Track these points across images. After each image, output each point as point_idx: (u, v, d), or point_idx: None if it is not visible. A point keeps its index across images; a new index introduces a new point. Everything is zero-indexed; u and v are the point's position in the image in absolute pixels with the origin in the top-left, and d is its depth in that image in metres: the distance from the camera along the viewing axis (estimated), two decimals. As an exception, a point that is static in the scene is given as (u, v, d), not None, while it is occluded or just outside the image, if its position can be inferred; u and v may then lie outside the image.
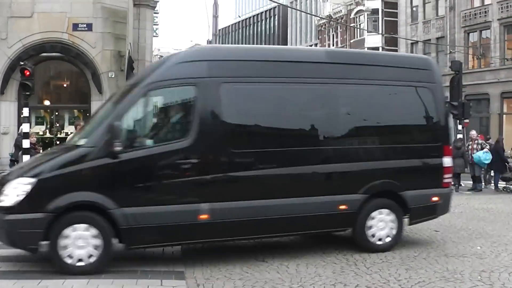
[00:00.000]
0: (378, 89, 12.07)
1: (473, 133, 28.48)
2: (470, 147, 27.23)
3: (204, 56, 11.02)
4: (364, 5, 68.46)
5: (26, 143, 18.35)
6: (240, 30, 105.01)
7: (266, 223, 10.89)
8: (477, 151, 26.40)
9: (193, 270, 10.23)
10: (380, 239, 11.84)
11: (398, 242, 12.07)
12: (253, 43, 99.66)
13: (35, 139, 20.13)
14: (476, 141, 27.30)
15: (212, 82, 10.62)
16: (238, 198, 10.61)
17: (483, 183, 27.28)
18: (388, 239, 11.91)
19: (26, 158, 17.98)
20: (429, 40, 56.57)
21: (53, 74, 26.61)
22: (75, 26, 24.58)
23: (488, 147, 26.57)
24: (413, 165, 12.32)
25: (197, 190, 10.46)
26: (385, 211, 11.90)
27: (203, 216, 10.32)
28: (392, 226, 11.93)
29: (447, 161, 12.55)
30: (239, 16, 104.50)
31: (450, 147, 13.31)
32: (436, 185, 12.44)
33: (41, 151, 20.43)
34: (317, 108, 11.73)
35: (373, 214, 11.80)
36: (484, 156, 25.95)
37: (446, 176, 12.55)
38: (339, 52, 15.10)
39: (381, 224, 11.85)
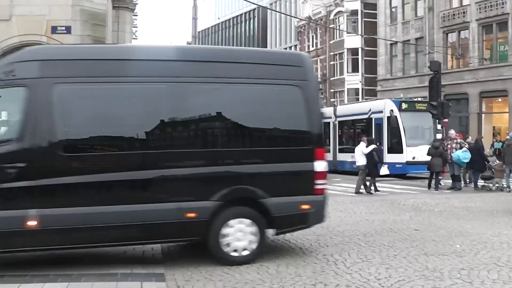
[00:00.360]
0: (236, 88, 11.29)
1: (452, 132, 28.67)
2: (449, 146, 27.41)
3: (36, 56, 10.49)
4: (343, 6, 68.72)
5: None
6: (220, 32, 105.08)
7: (102, 231, 10.21)
8: (456, 150, 26.56)
9: (174, 272, 10.22)
10: (235, 251, 10.86)
11: (258, 255, 11.00)
12: (233, 45, 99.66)
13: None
14: (455, 140, 27.48)
15: (43, 82, 10.07)
16: (70, 204, 10.02)
17: (462, 182, 27.43)
18: (245, 252, 10.91)
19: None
20: (408, 40, 56.80)
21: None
22: (54, 29, 24.39)
23: (467, 146, 26.72)
24: (277, 170, 11.17)
25: (24, 195, 9.85)
26: (247, 221, 10.91)
27: (32, 223, 9.76)
28: (252, 239, 10.93)
29: (320, 165, 11.38)
30: (219, 18, 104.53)
31: (325, 150, 11.99)
32: (306, 191, 11.31)
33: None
34: (162, 109, 10.84)
35: (231, 222, 10.83)
36: (463, 155, 26.11)
37: (318, 182, 11.38)
38: (192, 49, 13.21)
39: (240, 234, 10.87)
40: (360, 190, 25.66)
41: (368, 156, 25.67)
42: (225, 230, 10.79)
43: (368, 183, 25.70)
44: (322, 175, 11.52)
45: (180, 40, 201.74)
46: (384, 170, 25.65)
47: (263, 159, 11.26)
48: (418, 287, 9.10)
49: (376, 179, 26.13)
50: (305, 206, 11.29)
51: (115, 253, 11.87)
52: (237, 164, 11.06)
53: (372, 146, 26.02)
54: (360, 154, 26.04)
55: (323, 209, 11.75)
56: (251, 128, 11.47)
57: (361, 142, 26.73)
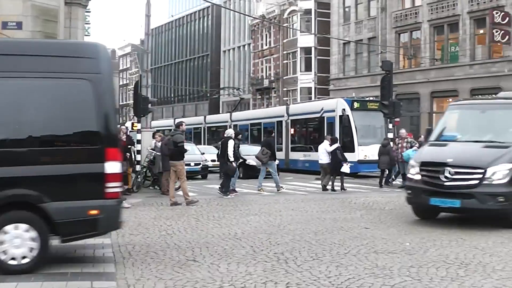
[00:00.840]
0: (14, 83, 10.12)
1: (403, 131, 28.97)
2: (400, 145, 27.69)
3: None
4: (297, 5, 68.95)
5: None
6: (173, 30, 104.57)
7: None
8: (407, 149, 26.82)
9: (124, 271, 10.15)
10: (13, 259, 9.91)
11: (40, 263, 10.08)
12: (186, 43, 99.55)
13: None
14: (405, 140, 27.77)
15: None
16: None
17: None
18: (25, 260, 9.95)
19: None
20: (361, 40, 57.30)
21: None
22: (5, 25, 24.01)
23: (417, 145, 26.97)
24: (60, 172, 10.20)
25: None
26: (24, 226, 9.95)
27: None
28: (32, 245, 9.97)
29: (112, 167, 10.28)
30: (172, 16, 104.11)
31: (118, 150, 10.61)
32: (95, 195, 10.26)
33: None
34: None
35: (7, 228, 9.86)
36: (413, 154, 26.35)
37: (110, 185, 10.27)
38: None
39: (17, 241, 9.90)
40: (328, 187, 26.23)
41: (332, 154, 26.12)
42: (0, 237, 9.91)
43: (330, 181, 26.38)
44: (115, 177, 10.40)
45: (133, 37, 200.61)
46: (345, 168, 26.07)
47: (44, 160, 10.27)
48: (368, 285, 9.15)
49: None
50: (94, 212, 10.24)
51: (65, 252, 11.78)
52: (11, 166, 10.02)
53: (336, 145, 26.48)
54: (323, 152, 26.51)
55: (116, 215, 10.64)
56: (30, 126, 10.35)
57: (325, 141, 27.20)
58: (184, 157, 20.99)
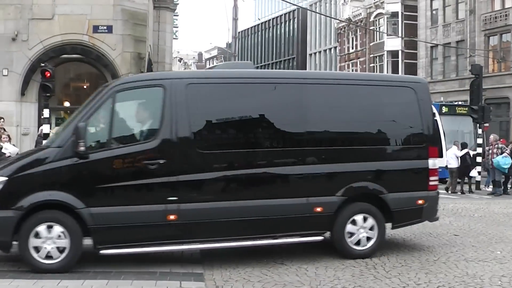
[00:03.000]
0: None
1: (492, 137, 28.33)
2: (490, 151, 27.13)
3: None
4: (383, 8, 68.30)
5: (46, 144, 18.35)
6: (260, 33, 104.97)
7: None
8: (497, 155, 26.24)
9: (212, 272, 10.25)
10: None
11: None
12: (272, 46, 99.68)
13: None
14: (496, 146, 27.15)
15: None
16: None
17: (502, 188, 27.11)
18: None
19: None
20: (449, 43, 56.38)
21: (73, 75, 26.72)
22: (95, 28, 24.62)
23: (508, 151, 26.37)
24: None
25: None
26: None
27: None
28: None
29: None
30: (259, 19, 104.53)
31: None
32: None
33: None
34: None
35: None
36: (503, 160, 25.79)
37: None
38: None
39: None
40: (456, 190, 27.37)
41: (461, 158, 27.23)
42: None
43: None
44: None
45: (220, 40, 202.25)
46: (474, 173, 26.52)
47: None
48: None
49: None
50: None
51: (154, 252, 11.92)
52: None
53: (466, 150, 27.57)
54: (452, 157, 27.53)
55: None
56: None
57: (453, 146, 28.15)
58: None
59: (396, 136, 12.30)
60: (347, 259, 11.36)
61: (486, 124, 31.94)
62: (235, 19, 32.18)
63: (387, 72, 67.75)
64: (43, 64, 20.30)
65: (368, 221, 11.59)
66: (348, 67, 77.62)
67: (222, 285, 9.41)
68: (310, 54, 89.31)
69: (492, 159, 26.32)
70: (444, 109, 35.54)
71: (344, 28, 78.19)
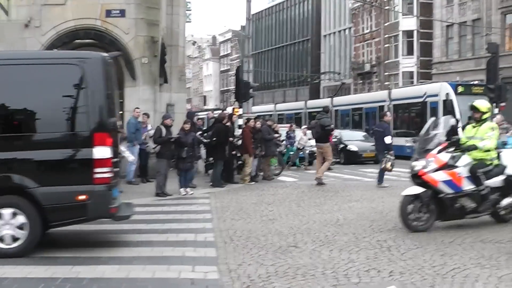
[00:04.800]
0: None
1: (498, 117, 27.72)
2: None
3: None
4: (399, -13, 67.84)
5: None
6: (274, 15, 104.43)
7: None
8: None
9: (225, 256, 10.18)
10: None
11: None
12: (286, 28, 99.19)
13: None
14: (501, 126, 26.40)
15: None
16: None
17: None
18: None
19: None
20: (465, 22, 55.82)
21: (86, 61, 26.62)
22: (108, 13, 24.50)
23: None
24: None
25: None
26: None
27: None
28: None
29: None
30: (272, 0, 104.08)
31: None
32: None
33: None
34: None
35: None
36: (509, 140, 25.09)
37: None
38: None
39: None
40: None
41: None
42: None
43: None
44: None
45: (234, 23, 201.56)
46: None
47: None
48: (474, 276, 8.87)
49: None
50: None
51: (167, 236, 11.92)
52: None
53: None
54: None
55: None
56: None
57: None
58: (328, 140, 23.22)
59: (51, 122, 10.60)
60: (361, 242, 11.29)
61: (503, 104, 31.59)
62: (248, 1, 31.95)
63: (402, 53, 67.47)
64: (56, 50, 20.20)
65: (18, 217, 10.22)
66: (363, 48, 77.20)
67: (236, 269, 9.34)
68: (325, 35, 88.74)
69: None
70: (460, 89, 35.34)
71: (359, 8, 77.67)
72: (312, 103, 57.00)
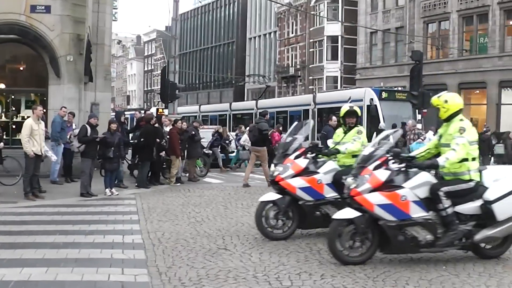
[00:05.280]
0: None
1: (410, 122, 28.15)
2: (408, 137, 26.70)
3: None
4: (324, -7, 68.46)
5: (-19, 127, 17.88)
6: (199, 16, 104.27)
7: None
8: (414, 141, 25.71)
9: (155, 259, 10.04)
10: None
11: None
12: (212, 30, 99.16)
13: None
14: (413, 131, 26.76)
15: None
16: None
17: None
18: None
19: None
20: (389, 29, 56.72)
21: (9, 57, 25.83)
22: (33, 8, 23.89)
23: (423, 137, 25.86)
24: None
25: None
26: None
27: None
28: None
29: None
30: (200, 2, 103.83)
31: None
32: None
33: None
34: None
35: None
36: (417, 147, 25.23)
37: None
38: None
39: None
40: None
41: None
42: None
43: None
44: None
45: (159, 23, 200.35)
46: None
47: None
48: (405, 279, 8.96)
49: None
50: None
51: (94, 238, 11.69)
52: None
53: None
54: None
55: None
56: None
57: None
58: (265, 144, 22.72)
59: None
60: (291, 245, 11.27)
61: (425, 110, 32.12)
62: (175, 1, 31.77)
63: (326, 57, 68.09)
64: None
65: None
66: (288, 52, 77.68)
67: (166, 272, 9.21)
68: (250, 38, 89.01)
69: (410, 145, 25.85)
70: (384, 95, 35.74)
71: (285, 12, 78.11)
72: (237, 105, 57.09)
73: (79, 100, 24.02)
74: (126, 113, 47.02)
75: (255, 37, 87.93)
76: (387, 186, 9.75)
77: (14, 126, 24.39)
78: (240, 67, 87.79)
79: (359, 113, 12.73)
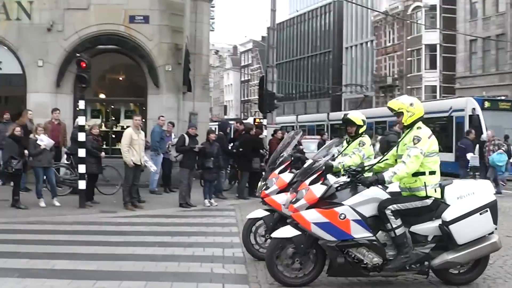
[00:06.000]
0: None
1: (489, 133, 26.50)
2: (486, 148, 25.08)
3: None
4: (421, 1, 67.38)
5: (81, 136, 17.91)
6: (295, 26, 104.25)
7: None
8: (493, 152, 24.35)
9: (256, 274, 9.71)
10: None
11: None
12: (308, 39, 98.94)
13: (98, 131, 19.78)
14: (492, 142, 25.14)
15: None
16: None
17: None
18: None
19: (81, 151, 17.68)
20: (489, 37, 55.18)
21: (109, 67, 26.12)
22: (132, 18, 24.11)
23: (504, 147, 24.43)
24: None
25: None
26: None
27: None
28: None
29: None
30: (297, 11, 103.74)
31: None
32: None
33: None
34: None
35: None
36: (498, 158, 23.88)
37: None
38: None
39: None
40: None
41: None
42: None
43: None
44: None
45: (255, 33, 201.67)
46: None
47: None
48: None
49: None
50: None
51: (193, 251, 11.45)
52: None
53: None
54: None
55: None
56: None
57: None
58: None
59: None
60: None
61: (532, 119, 30.90)
62: (273, 10, 31.49)
63: (425, 66, 66.92)
64: (78, 55, 19.78)
65: None
66: (385, 61, 76.83)
67: (268, 288, 8.85)
68: (347, 48, 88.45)
69: (488, 157, 24.51)
70: (487, 104, 34.70)
71: (381, 21, 77.31)
72: (335, 115, 56.64)
73: (177, 109, 24.08)
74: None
75: (351, 46, 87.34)
76: (327, 203, 8.81)
77: (113, 136, 24.63)
78: (336, 76, 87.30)
79: (357, 121, 10.92)
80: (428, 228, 8.84)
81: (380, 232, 8.74)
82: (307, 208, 8.80)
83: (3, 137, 20.64)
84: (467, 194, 8.98)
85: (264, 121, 27.44)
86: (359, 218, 8.64)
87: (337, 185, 8.89)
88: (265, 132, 25.86)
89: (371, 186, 8.76)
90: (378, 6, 77.56)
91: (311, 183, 9.11)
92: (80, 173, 17.78)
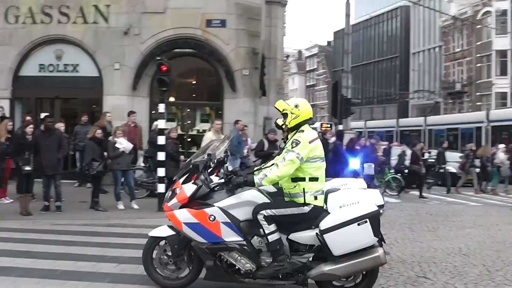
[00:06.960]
0: None
1: None
2: None
3: None
4: (492, 6, 66.16)
5: (161, 140, 17.86)
6: (361, 31, 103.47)
7: None
8: None
9: None
10: None
11: None
12: (374, 45, 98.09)
13: (176, 134, 19.78)
14: None
15: None
16: None
17: None
18: None
19: (161, 155, 17.63)
20: None
21: (185, 70, 26.19)
22: (209, 23, 24.12)
23: None
24: None
25: None
26: None
27: None
28: None
29: None
30: (367, 15, 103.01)
31: None
32: None
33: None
34: None
35: None
36: None
37: None
38: None
39: None
40: None
41: None
42: None
43: None
44: None
45: (320, 38, 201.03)
46: None
47: None
48: None
49: None
50: None
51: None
52: None
53: None
54: None
55: None
56: None
57: None
58: None
59: None
60: (495, 275, 10.35)
61: None
62: (347, 15, 31.30)
63: (495, 73, 65.77)
64: (159, 58, 19.75)
65: None
66: (454, 67, 75.63)
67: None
68: (414, 53, 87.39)
69: None
70: None
71: (450, 26, 76.15)
72: (404, 121, 56.25)
73: (254, 114, 23.99)
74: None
75: (419, 52, 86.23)
76: (199, 203, 8.46)
77: (189, 139, 24.63)
78: (403, 82, 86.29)
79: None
80: (307, 236, 8.25)
81: (255, 237, 8.35)
82: (180, 208, 8.54)
83: (81, 139, 20.85)
84: (351, 203, 8.27)
85: (340, 127, 27.16)
86: (228, 220, 8.30)
87: (214, 185, 8.57)
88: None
89: (239, 187, 8.30)
90: (446, 11, 76.52)
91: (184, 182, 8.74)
92: (159, 176, 17.72)
